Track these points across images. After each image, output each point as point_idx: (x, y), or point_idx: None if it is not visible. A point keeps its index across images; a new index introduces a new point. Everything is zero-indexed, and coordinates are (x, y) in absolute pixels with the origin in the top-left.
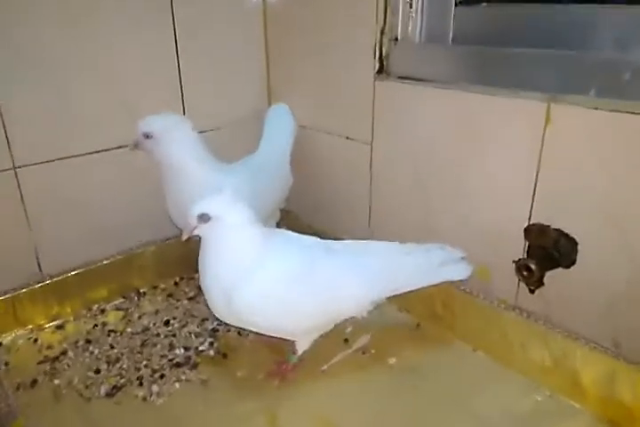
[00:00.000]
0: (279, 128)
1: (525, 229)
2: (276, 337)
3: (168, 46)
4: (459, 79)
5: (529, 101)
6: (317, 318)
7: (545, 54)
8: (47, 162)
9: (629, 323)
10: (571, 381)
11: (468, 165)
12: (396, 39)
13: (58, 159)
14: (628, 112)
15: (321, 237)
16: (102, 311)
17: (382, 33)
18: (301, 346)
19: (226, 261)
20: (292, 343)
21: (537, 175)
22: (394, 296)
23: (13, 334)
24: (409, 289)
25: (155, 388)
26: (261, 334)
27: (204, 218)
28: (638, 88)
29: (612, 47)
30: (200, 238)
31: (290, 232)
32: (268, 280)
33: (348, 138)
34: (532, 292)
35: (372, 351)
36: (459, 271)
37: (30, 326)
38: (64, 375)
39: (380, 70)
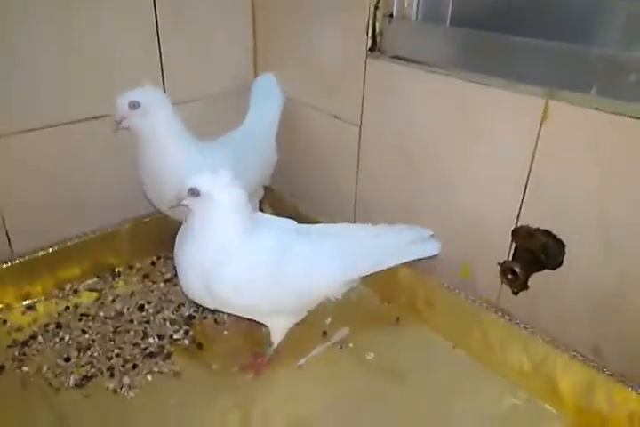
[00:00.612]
0: (266, 100)
1: (513, 232)
2: (252, 320)
3: (145, 9)
4: (455, 64)
5: (526, 95)
6: (293, 299)
7: (547, 46)
8: (15, 133)
9: (612, 330)
10: (549, 386)
11: (459, 155)
12: (391, 15)
13: (28, 130)
14: (630, 116)
15: (303, 219)
16: (75, 292)
17: (376, 8)
18: (276, 337)
19: (208, 239)
20: (268, 334)
21: (529, 173)
22: (370, 277)
23: None
24: (381, 268)
25: (126, 380)
26: (237, 317)
27: (193, 192)
28: None
29: (620, 44)
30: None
31: (266, 215)
32: (247, 262)
33: (336, 117)
34: (515, 294)
35: (350, 345)
36: (429, 249)
37: None
38: (33, 362)
39: (373, 48)
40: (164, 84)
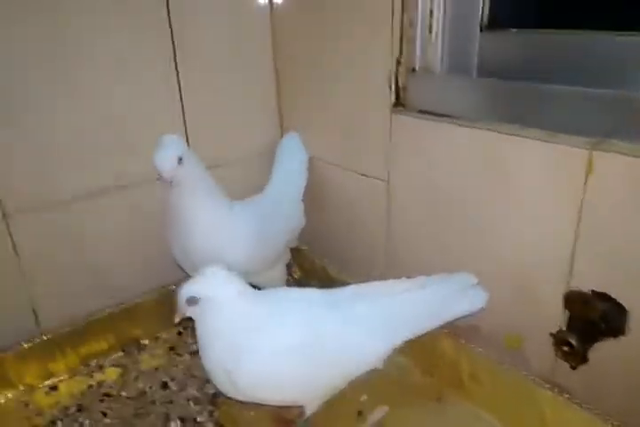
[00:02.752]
0: (291, 161)
1: (566, 298)
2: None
3: (169, 77)
4: (485, 116)
5: (567, 147)
6: (327, 383)
7: (587, 93)
8: (38, 208)
9: None
10: None
11: (495, 213)
12: (414, 69)
13: (50, 205)
14: None
15: (333, 280)
16: (100, 368)
17: (398, 62)
18: (310, 409)
19: (222, 340)
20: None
21: (576, 230)
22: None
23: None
24: (426, 330)
25: None
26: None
27: (192, 301)
28: None
29: None
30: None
31: (287, 289)
32: (266, 355)
33: (362, 175)
34: (573, 368)
35: None
36: (477, 299)
37: (22, 388)
38: None
39: (397, 103)
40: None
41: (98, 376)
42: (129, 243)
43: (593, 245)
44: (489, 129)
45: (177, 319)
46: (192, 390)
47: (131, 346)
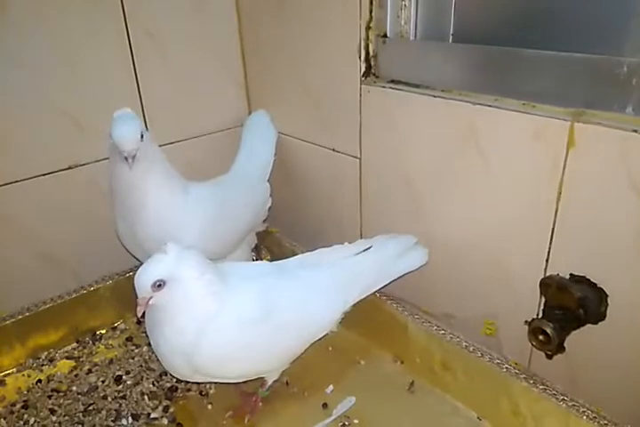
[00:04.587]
0: (258, 138)
1: (541, 283)
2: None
3: (122, 50)
4: (461, 86)
5: (547, 118)
6: (289, 350)
7: (568, 58)
8: None
9: None
10: None
11: (470, 189)
12: (385, 36)
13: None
14: None
15: None
16: (51, 360)
17: (369, 28)
18: (271, 377)
19: (180, 322)
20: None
21: (556, 209)
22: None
23: None
24: (376, 288)
25: None
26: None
27: (159, 285)
28: None
29: None
30: None
31: (240, 264)
32: (228, 330)
33: (334, 150)
34: (549, 357)
35: (355, 422)
36: (418, 257)
37: None
38: None
39: (367, 73)
40: (146, 125)
41: (48, 370)
42: (82, 227)
43: (572, 224)
44: (464, 100)
45: (142, 309)
46: (147, 384)
47: (85, 337)
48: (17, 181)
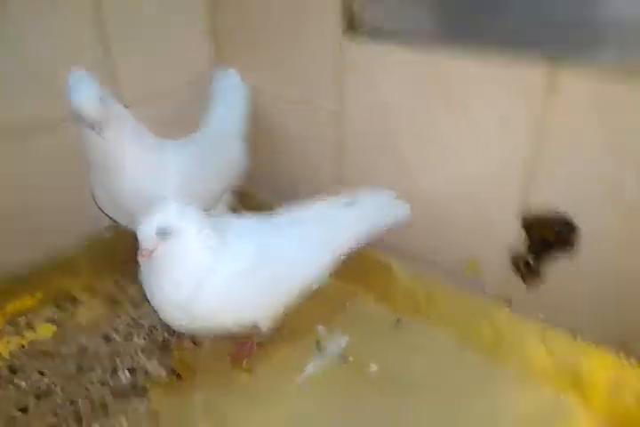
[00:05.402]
0: (229, 95)
1: (523, 220)
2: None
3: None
4: (442, 35)
5: (525, 68)
6: (282, 299)
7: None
8: None
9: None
10: (573, 382)
11: (451, 138)
12: None
13: None
14: None
15: None
16: (30, 326)
17: None
18: (266, 325)
19: (182, 276)
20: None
21: (536, 153)
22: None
23: None
24: (361, 243)
25: (96, 426)
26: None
27: (164, 233)
28: None
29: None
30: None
31: (231, 219)
32: (225, 279)
33: (313, 106)
34: (528, 287)
35: (350, 359)
36: (401, 211)
37: None
38: None
39: (348, 24)
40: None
41: (29, 335)
42: (55, 186)
43: (549, 168)
44: (444, 50)
45: (146, 258)
46: (139, 340)
47: (64, 300)
48: None
